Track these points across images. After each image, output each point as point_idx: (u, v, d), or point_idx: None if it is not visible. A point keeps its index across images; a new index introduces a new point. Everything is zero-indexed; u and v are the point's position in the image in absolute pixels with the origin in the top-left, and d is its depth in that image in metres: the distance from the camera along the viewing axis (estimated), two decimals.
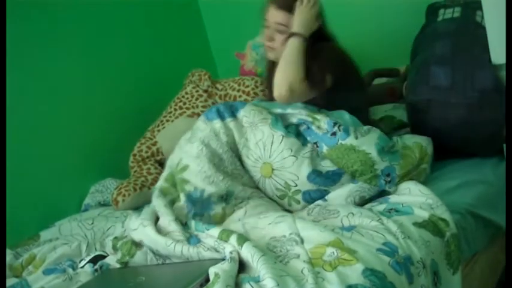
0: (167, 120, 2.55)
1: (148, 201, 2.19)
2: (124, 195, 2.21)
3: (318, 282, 1.28)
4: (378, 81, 2.79)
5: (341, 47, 2.05)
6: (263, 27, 2.01)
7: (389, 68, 2.77)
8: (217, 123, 1.85)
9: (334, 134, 1.81)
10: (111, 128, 2.75)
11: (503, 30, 1.84)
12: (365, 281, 1.29)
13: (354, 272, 1.32)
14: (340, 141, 1.80)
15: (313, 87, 1.88)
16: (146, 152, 2.48)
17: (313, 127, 1.84)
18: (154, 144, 2.50)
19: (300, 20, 1.92)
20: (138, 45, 2.96)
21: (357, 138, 1.80)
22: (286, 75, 1.84)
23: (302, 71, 1.85)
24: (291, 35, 1.91)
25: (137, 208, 2.20)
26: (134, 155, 2.48)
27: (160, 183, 1.86)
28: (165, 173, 1.89)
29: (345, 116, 1.90)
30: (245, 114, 1.87)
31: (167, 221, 1.67)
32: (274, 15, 1.96)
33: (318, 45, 1.95)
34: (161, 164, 2.45)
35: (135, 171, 2.42)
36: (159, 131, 2.54)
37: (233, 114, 1.87)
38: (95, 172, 2.62)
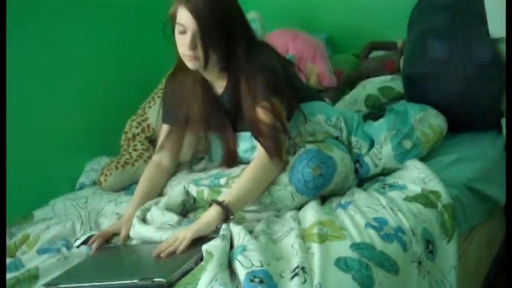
0: (158, 97, 2.53)
1: (133, 179, 2.19)
2: (106, 175, 2.19)
3: (308, 258, 1.29)
4: (374, 54, 2.77)
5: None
6: (178, 32, 1.69)
7: (387, 41, 2.74)
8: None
9: (357, 170, 1.81)
10: (106, 106, 2.72)
11: (502, 4, 1.81)
12: (353, 254, 1.32)
13: (342, 246, 1.34)
14: (365, 176, 1.81)
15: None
16: (136, 127, 2.45)
17: None
18: (145, 120, 2.48)
19: None
20: (133, 26, 2.91)
21: (376, 165, 1.80)
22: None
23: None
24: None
25: (126, 188, 2.20)
26: (126, 133, 2.46)
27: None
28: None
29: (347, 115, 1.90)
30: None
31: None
32: (190, 19, 1.64)
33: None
34: (151, 140, 2.43)
35: (124, 149, 2.40)
36: (150, 107, 2.51)
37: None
38: (90, 150, 2.60)
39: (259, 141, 1.67)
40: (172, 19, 1.70)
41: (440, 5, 2.19)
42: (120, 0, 2.83)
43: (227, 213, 1.51)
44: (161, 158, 1.94)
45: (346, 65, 2.79)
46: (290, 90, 1.76)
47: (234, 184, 1.66)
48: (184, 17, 1.65)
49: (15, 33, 2.29)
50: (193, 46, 1.66)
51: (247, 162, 1.74)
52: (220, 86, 1.82)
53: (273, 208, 1.63)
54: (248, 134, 1.78)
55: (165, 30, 1.74)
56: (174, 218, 1.65)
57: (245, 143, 1.83)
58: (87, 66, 2.66)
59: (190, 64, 1.71)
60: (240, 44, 1.70)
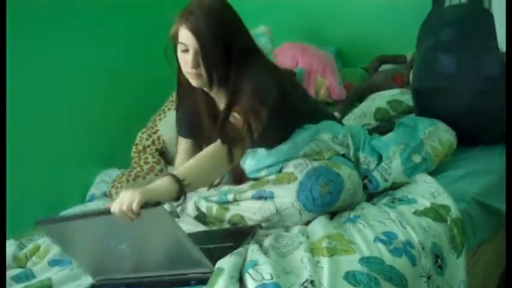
0: (169, 109, 2.54)
1: None
2: (117, 188, 2.20)
3: (317, 272, 1.29)
4: (384, 67, 2.78)
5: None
6: (180, 51, 1.71)
7: (396, 54, 2.75)
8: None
9: (366, 186, 1.81)
10: (117, 117, 2.74)
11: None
12: (362, 268, 1.31)
13: (351, 260, 1.34)
14: (374, 191, 1.82)
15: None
16: (147, 139, 2.46)
17: None
18: (155, 132, 2.49)
19: None
20: (145, 37, 2.93)
21: (386, 180, 1.81)
22: None
23: None
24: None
25: None
26: (136, 145, 2.48)
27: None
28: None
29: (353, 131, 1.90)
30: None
31: None
32: (191, 38, 1.66)
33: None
34: (162, 153, 2.44)
35: (134, 162, 2.41)
36: (160, 119, 2.53)
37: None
38: (100, 162, 2.62)
39: (221, 140, 1.63)
40: (174, 38, 1.72)
41: (449, 18, 2.20)
42: (130, 9, 2.86)
43: (181, 186, 1.46)
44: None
45: (356, 78, 2.80)
46: (286, 107, 1.75)
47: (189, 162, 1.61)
48: (185, 36, 1.67)
49: (23, 43, 2.31)
50: (195, 64, 1.68)
51: (255, 179, 1.77)
52: (223, 102, 1.82)
53: (281, 225, 1.64)
54: (251, 151, 1.78)
55: (166, 50, 1.76)
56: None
57: (249, 160, 1.82)
58: (98, 78, 2.68)
59: (194, 82, 1.74)
60: (242, 60, 1.71)
